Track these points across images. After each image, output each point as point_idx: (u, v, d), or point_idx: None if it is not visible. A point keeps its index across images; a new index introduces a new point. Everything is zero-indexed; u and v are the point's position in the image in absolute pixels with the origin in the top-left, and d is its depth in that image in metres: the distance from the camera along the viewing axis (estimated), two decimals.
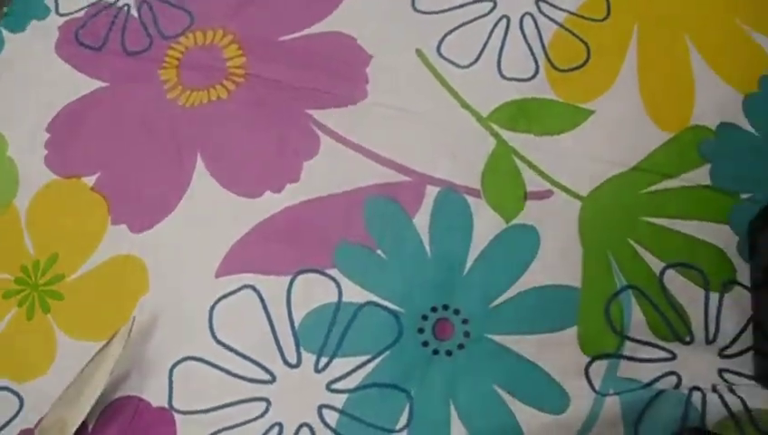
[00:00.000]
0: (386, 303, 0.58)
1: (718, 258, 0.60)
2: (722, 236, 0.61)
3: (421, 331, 0.58)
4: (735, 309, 0.59)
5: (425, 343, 0.57)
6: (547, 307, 0.58)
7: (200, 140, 0.64)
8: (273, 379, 0.57)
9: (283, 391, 0.57)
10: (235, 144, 0.64)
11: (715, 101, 0.64)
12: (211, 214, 0.62)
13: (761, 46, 0.66)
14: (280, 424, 0.56)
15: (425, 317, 0.58)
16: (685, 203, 0.61)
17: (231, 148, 0.64)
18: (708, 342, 0.58)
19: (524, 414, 0.56)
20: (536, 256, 0.59)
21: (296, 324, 0.58)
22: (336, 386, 0.57)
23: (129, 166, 0.64)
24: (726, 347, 0.58)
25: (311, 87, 0.65)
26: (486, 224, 0.60)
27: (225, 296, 0.60)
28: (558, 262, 0.59)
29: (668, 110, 0.64)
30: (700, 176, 0.62)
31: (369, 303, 0.58)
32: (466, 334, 0.57)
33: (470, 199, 0.61)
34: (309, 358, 0.58)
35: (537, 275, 0.59)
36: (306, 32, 0.68)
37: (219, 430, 0.57)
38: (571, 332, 0.57)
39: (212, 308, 0.59)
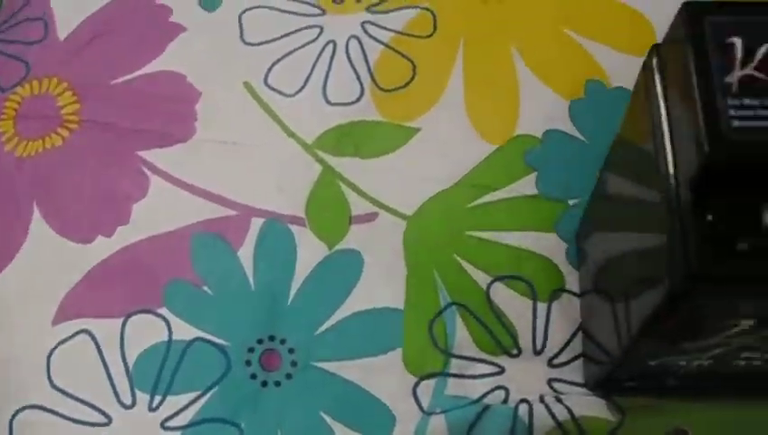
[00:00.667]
0: (213, 338, 0.59)
1: (546, 268, 0.60)
2: (549, 245, 0.61)
3: (249, 363, 0.58)
4: (564, 317, 0.59)
5: (253, 376, 0.58)
6: (371, 331, 0.58)
7: (36, 189, 0.65)
8: (110, 421, 0.58)
9: (119, 432, 0.58)
10: (69, 191, 0.64)
11: (540, 110, 0.64)
12: (47, 262, 0.62)
13: (588, 52, 0.66)
14: None
15: (251, 350, 0.58)
16: (510, 214, 0.61)
17: (65, 195, 0.64)
18: (536, 352, 0.58)
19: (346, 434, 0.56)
20: (359, 281, 0.60)
21: (130, 365, 0.59)
22: (169, 424, 0.57)
23: None
24: (555, 356, 0.58)
25: (143, 128, 0.66)
26: (310, 252, 0.60)
27: (61, 343, 0.60)
28: (381, 284, 0.59)
29: (494, 122, 0.64)
30: (526, 185, 0.62)
31: (198, 339, 0.59)
32: (293, 364, 0.58)
33: (294, 228, 0.61)
34: (143, 398, 0.58)
35: (360, 300, 0.59)
36: (138, 73, 0.68)
37: None
38: (396, 354, 0.58)
39: (49, 355, 0.60)
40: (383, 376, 0.57)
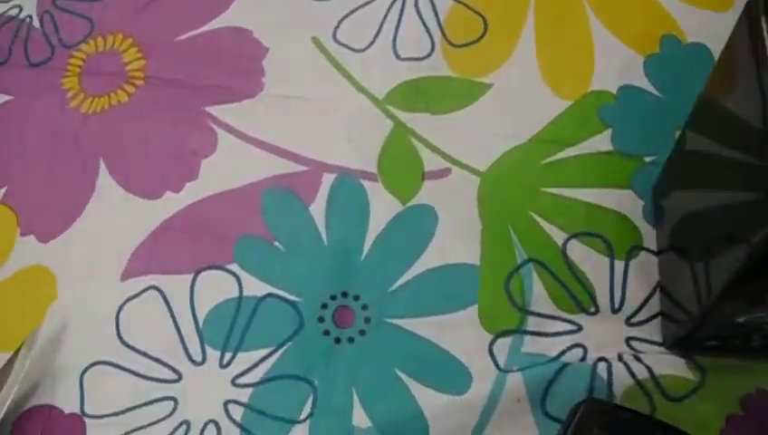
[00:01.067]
0: (285, 294, 0.58)
1: (622, 225, 0.59)
2: (626, 202, 0.60)
3: (322, 320, 0.57)
4: (642, 275, 0.58)
5: (326, 332, 0.57)
6: (446, 287, 0.58)
7: (102, 145, 0.64)
8: (180, 377, 0.57)
9: (190, 389, 0.57)
10: (136, 147, 0.64)
11: (615, 65, 0.63)
12: (115, 218, 0.62)
13: (663, 7, 0.65)
14: (187, 422, 0.56)
15: (324, 306, 0.57)
16: (586, 171, 0.60)
17: (131, 151, 0.64)
18: (614, 311, 0.57)
19: (425, 396, 0.55)
20: (434, 236, 0.59)
21: (200, 322, 0.58)
22: (240, 381, 0.57)
23: (36, 177, 0.64)
24: (633, 315, 0.57)
25: (209, 84, 0.65)
26: (383, 207, 0.60)
27: (130, 299, 0.60)
28: (456, 240, 0.59)
29: (567, 78, 0.63)
30: (601, 142, 0.61)
31: (269, 295, 0.58)
32: (367, 320, 0.57)
33: (366, 184, 0.60)
34: (213, 354, 0.58)
35: (435, 256, 0.58)
36: (203, 29, 0.68)
37: (128, 432, 0.56)
38: (472, 310, 0.57)
39: (118, 312, 0.59)
40: (458, 333, 0.56)
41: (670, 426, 0.50)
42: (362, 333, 0.57)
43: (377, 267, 0.58)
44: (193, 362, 0.58)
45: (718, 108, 0.47)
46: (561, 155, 0.60)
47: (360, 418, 0.55)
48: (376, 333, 0.57)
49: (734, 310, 0.48)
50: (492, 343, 0.56)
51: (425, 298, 0.57)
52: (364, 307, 0.57)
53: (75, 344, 0.60)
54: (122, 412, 0.57)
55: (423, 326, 0.56)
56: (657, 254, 0.58)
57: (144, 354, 0.58)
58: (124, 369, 0.58)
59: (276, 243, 0.59)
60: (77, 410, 0.57)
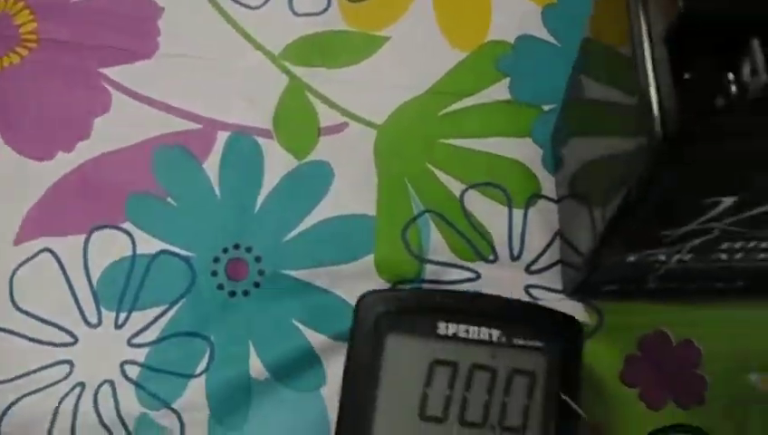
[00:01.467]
0: (178, 250, 0.57)
1: (521, 174, 0.59)
2: (525, 151, 0.59)
3: (215, 274, 0.56)
4: (541, 224, 0.58)
5: (220, 286, 0.56)
6: (341, 237, 0.57)
7: None
8: (76, 340, 0.56)
9: (86, 351, 0.56)
10: (28, 109, 0.62)
11: (512, 16, 0.63)
12: (7, 182, 0.60)
13: None
14: (82, 384, 0.55)
15: (217, 260, 0.56)
16: (484, 121, 0.60)
17: (24, 113, 0.62)
18: (513, 259, 0.57)
19: (322, 345, 0.55)
20: (329, 190, 0.58)
21: (94, 283, 0.57)
22: (136, 340, 0.56)
23: None
24: (533, 263, 0.57)
25: (103, 45, 0.64)
26: (278, 163, 0.59)
27: (23, 263, 0.58)
28: (352, 193, 0.58)
29: (465, 29, 0.63)
30: (499, 91, 0.61)
31: (162, 252, 0.57)
32: (261, 272, 0.56)
33: (261, 141, 0.60)
34: (109, 315, 0.56)
35: (330, 208, 0.58)
36: None
37: (21, 397, 0.55)
38: (368, 260, 0.56)
39: (12, 277, 0.58)
40: (355, 283, 0.55)
41: (448, 291, 0.53)
42: (257, 285, 0.56)
43: (270, 220, 0.57)
44: (88, 324, 0.56)
45: (598, 50, 0.47)
46: (458, 105, 0.60)
47: (257, 370, 0.54)
48: (271, 284, 0.56)
49: (621, 251, 0.48)
50: None
51: (319, 249, 0.56)
52: (257, 259, 0.56)
53: None
54: (17, 378, 0.55)
55: (318, 276, 0.56)
56: (556, 202, 0.58)
57: (38, 319, 0.57)
58: (18, 334, 0.57)
59: (169, 199, 0.58)
60: None
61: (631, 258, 0.49)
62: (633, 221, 0.43)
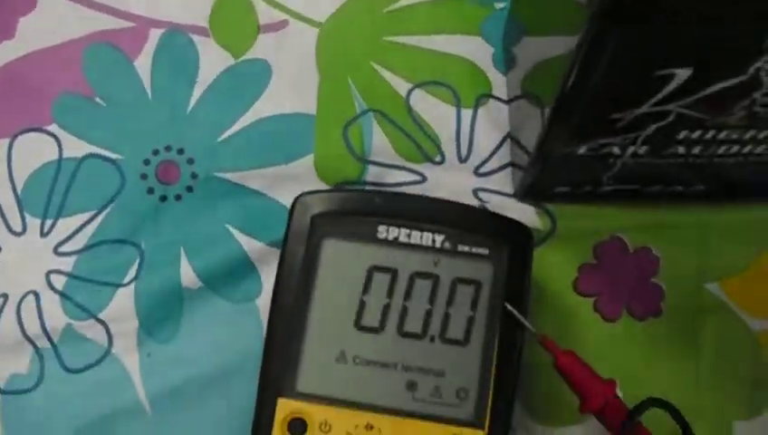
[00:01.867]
0: (106, 152, 0.53)
1: (471, 73, 0.56)
2: (475, 50, 0.57)
3: (144, 177, 0.53)
4: (491, 125, 0.55)
5: (150, 190, 0.53)
6: (278, 138, 0.54)
7: None
8: None
9: (10, 261, 0.53)
10: None
11: None
12: None
13: None
14: (5, 295, 0.52)
15: (147, 162, 0.53)
16: (432, 18, 0.57)
17: None
18: (462, 160, 0.54)
19: (258, 250, 0.52)
20: (267, 89, 0.55)
21: (18, 189, 0.54)
22: (63, 249, 0.52)
23: None
24: (482, 164, 0.54)
25: None
26: (214, 62, 0.56)
27: None
28: (291, 92, 0.55)
29: None
30: None
31: (90, 155, 0.54)
32: (194, 176, 0.53)
33: (196, 38, 0.56)
34: (34, 223, 0.53)
35: (268, 107, 0.54)
36: None
37: None
38: (307, 161, 0.53)
39: None
40: (293, 185, 0.52)
41: (390, 192, 0.50)
42: (189, 189, 0.53)
43: (203, 119, 0.54)
44: (13, 232, 0.53)
45: None
46: (405, 2, 0.57)
47: (189, 279, 0.51)
48: (204, 188, 0.53)
49: (572, 137, 0.45)
50: None
51: (256, 149, 0.53)
52: (190, 161, 0.53)
53: None
54: None
55: (254, 178, 0.53)
56: (507, 102, 0.55)
57: None
58: None
59: (98, 99, 0.55)
60: None
61: (582, 150, 0.46)
62: (582, 95, 0.40)
